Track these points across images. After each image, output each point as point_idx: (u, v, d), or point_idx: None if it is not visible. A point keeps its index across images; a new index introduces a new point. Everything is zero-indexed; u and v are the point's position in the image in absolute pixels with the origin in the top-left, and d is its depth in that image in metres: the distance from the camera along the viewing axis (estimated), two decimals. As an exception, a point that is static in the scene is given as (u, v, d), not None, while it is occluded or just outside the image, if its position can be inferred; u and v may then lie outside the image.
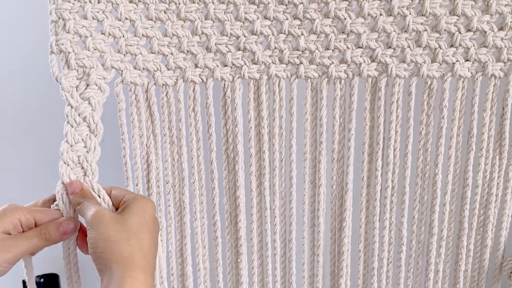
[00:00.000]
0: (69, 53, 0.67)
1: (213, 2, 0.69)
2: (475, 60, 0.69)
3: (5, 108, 0.97)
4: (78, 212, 0.65)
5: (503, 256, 0.77)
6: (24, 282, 0.97)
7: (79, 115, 0.68)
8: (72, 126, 0.67)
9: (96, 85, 0.68)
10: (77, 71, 0.68)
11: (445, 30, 0.68)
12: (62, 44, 0.67)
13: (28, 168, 1.00)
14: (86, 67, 0.68)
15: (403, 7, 0.68)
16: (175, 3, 0.69)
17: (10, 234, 0.62)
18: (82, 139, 0.68)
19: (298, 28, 0.70)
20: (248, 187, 0.77)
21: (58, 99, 0.90)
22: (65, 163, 0.67)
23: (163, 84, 0.72)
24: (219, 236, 0.79)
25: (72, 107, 0.68)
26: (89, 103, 0.68)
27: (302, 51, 0.71)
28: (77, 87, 0.68)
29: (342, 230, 0.78)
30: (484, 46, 0.69)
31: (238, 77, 0.72)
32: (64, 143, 0.67)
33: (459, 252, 0.77)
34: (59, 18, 0.67)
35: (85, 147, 0.68)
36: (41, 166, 0.98)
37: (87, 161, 0.67)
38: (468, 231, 0.76)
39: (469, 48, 0.69)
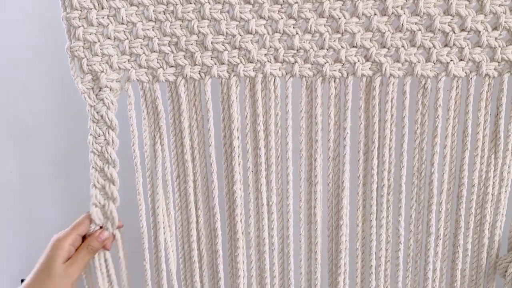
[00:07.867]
0: (82, 58, 0.73)
1: (209, 2, 0.71)
2: (469, 59, 0.70)
3: (6, 108, 0.99)
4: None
5: (497, 255, 0.76)
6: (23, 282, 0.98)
7: (97, 113, 0.75)
8: (94, 122, 0.75)
9: (107, 86, 0.74)
10: (91, 74, 0.74)
11: (439, 29, 0.69)
12: (76, 50, 0.73)
13: (28, 168, 1.02)
14: (97, 72, 0.73)
15: (397, 6, 0.69)
16: (173, 4, 0.71)
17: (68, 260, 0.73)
18: (103, 132, 0.76)
19: (293, 27, 0.71)
20: (245, 183, 0.79)
21: (58, 99, 0.93)
22: (91, 152, 0.76)
23: (165, 80, 0.75)
24: (219, 228, 0.81)
25: (91, 106, 0.75)
26: (104, 103, 0.75)
27: (297, 50, 0.72)
28: (92, 88, 0.74)
29: (340, 228, 0.79)
30: (478, 46, 0.69)
31: (234, 75, 0.74)
32: (89, 136, 0.76)
33: (456, 251, 0.77)
34: (70, 25, 0.72)
35: (105, 139, 0.76)
36: (41, 166, 1.01)
37: (107, 152, 0.76)
38: (464, 230, 0.76)
39: (463, 48, 0.69)
